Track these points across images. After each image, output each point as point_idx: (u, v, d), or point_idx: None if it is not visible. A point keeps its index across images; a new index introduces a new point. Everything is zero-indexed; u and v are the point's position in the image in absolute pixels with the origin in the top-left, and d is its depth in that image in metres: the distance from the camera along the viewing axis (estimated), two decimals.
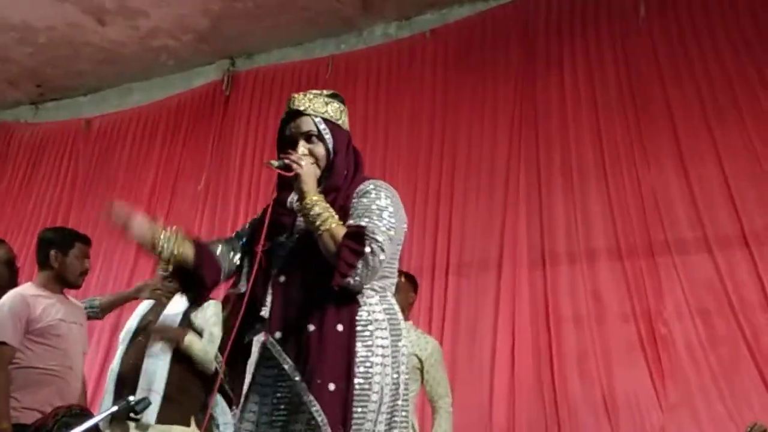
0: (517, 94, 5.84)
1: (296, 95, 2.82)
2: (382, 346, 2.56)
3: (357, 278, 2.51)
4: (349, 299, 2.58)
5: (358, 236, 2.52)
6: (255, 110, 6.99)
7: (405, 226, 2.75)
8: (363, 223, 2.55)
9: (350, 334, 2.54)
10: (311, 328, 2.53)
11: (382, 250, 2.53)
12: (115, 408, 3.19)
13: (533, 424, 4.97)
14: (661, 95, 5.35)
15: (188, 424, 4.37)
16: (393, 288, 2.75)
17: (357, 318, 2.56)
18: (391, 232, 2.59)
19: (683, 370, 4.73)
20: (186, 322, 4.46)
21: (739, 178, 4.94)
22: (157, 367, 4.35)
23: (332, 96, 2.86)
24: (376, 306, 2.61)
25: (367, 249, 2.51)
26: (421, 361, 4.43)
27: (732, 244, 4.85)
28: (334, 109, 2.81)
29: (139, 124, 7.63)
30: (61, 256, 4.45)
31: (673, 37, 5.45)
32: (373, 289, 2.63)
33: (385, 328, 2.60)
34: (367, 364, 2.51)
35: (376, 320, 2.59)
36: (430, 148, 6.04)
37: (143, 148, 7.48)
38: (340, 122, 2.81)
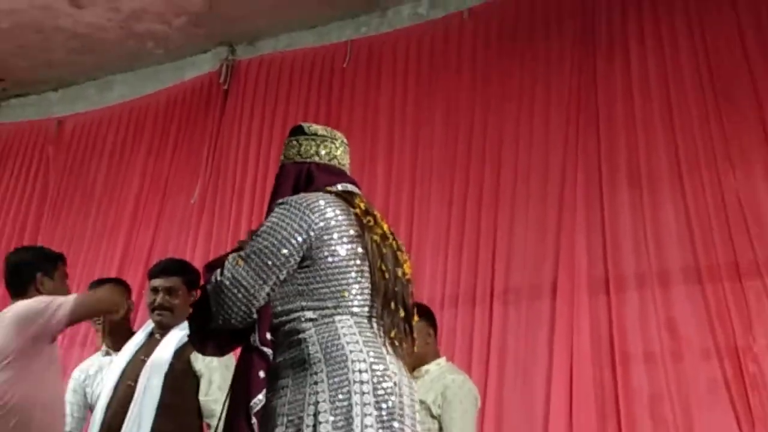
0: (573, 84, 5.87)
1: None
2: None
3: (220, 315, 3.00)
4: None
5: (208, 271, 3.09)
6: (259, 106, 7.05)
7: (292, 236, 3.01)
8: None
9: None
10: None
11: (228, 277, 2.98)
12: None
13: None
14: (749, 81, 5.35)
15: None
16: (346, 305, 3.01)
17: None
18: (252, 253, 3.01)
19: None
20: (180, 365, 4.59)
21: None
22: (143, 418, 4.49)
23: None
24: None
25: (208, 285, 3.04)
26: (428, 407, 4.47)
27: None
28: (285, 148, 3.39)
29: (121, 124, 7.71)
30: (47, 279, 4.62)
31: (763, 8, 5.46)
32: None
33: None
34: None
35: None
36: (469, 151, 6.06)
37: (126, 154, 7.56)
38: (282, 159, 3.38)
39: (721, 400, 4.87)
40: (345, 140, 3.42)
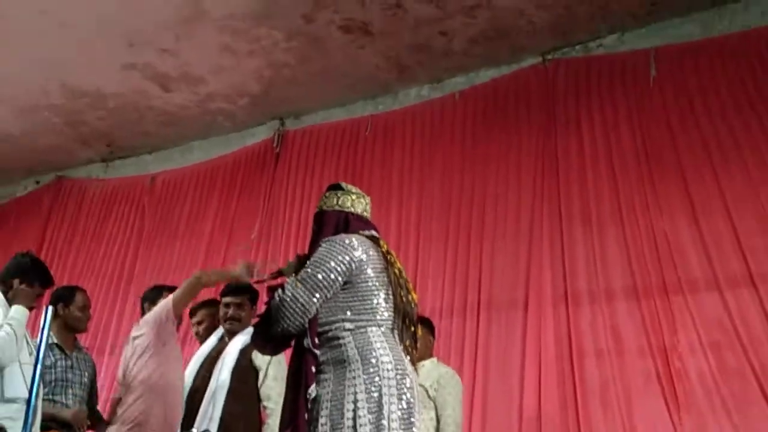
0: (539, 150, 5.87)
1: None
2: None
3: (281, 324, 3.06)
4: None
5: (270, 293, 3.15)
6: (302, 166, 7.03)
7: (338, 264, 3.08)
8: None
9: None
10: None
11: (289, 296, 3.03)
12: None
13: None
14: (671, 149, 5.36)
15: None
16: (376, 319, 3.09)
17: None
18: (307, 277, 3.06)
19: (697, 402, 4.70)
20: (244, 361, 4.60)
21: (746, 222, 4.93)
22: (217, 401, 4.50)
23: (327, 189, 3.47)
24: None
25: (273, 301, 3.10)
26: (426, 389, 4.48)
27: (740, 283, 4.82)
28: (325, 198, 3.42)
29: (199, 179, 7.70)
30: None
31: (682, 96, 5.46)
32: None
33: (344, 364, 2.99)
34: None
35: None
36: (460, 198, 6.07)
37: (202, 201, 7.54)
38: (321, 207, 3.41)
39: (653, 388, 4.86)
40: (368, 199, 3.46)
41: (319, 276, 3.06)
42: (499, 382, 5.34)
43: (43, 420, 4.40)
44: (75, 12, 6.16)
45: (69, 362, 4.94)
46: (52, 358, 4.79)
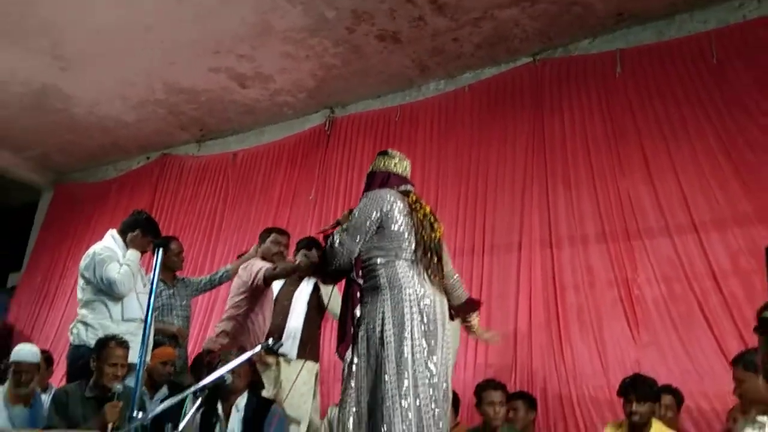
0: (530, 130, 5.81)
1: None
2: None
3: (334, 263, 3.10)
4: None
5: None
6: (348, 145, 7.02)
7: (372, 214, 3.08)
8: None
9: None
10: None
11: (337, 242, 3.08)
12: (258, 348, 3.35)
13: (545, 358, 4.98)
14: (634, 129, 5.30)
15: (316, 361, 4.61)
16: (402, 254, 3.06)
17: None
18: (350, 226, 3.09)
19: (652, 321, 4.72)
20: (315, 297, 4.70)
21: (691, 184, 4.89)
22: (298, 322, 4.59)
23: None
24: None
25: (327, 246, 3.15)
26: None
27: (685, 230, 4.80)
28: (375, 161, 3.41)
29: (269, 155, 7.69)
30: (262, 243, 4.84)
31: (642, 88, 5.39)
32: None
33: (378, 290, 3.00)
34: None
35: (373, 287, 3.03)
36: (469, 168, 6.04)
37: (272, 172, 7.55)
38: (372, 168, 3.39)
39: (618, 311, 4.88)
40: (408, 161, 3.45)
41: (358, 224, 3.08)
42: (498, 308, 5.35)
43: (155, 334, 4.52)
44: (173, 29, 6.20)
45: (171, 291, 5.04)
46: (158, 289, 4.87)
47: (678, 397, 4.12)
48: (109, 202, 8.84)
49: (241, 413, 3.81)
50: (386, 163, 3.36)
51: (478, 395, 4.29)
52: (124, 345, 3.92)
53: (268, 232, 4.90)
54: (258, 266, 4.47)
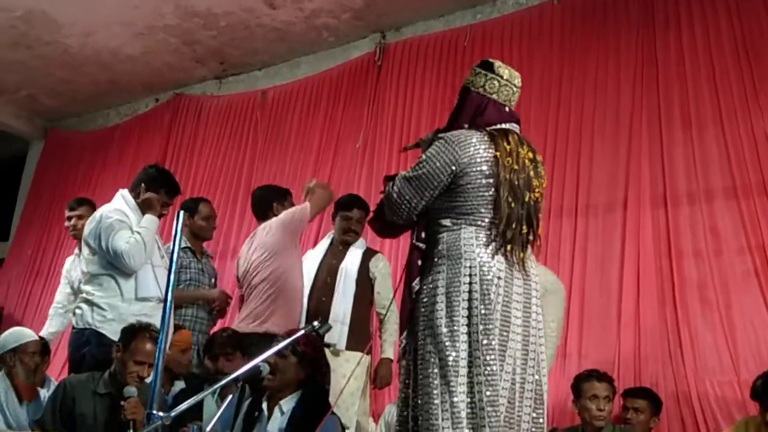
0: (638, 53, 5.72)
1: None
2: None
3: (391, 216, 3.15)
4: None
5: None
6: (404, 77, 7.00)
7: (445, 167, 2.99)
8: None
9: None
10: None
11: (395, 192, 3.07)
12: (302, 331, 3.46)
13: (657, 346, 4.97)
14: None
15: (369, 353, 4.80)
16: (477, 220, 3.01)
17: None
18: (415, 176, 3.04)
19: None
20: (364, 272, 4.85)
21: None
22: (345, 305, 4.73)
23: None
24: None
25: (385, 192, 3.16)
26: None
27: None
28: (473, 75, 3.23)
29: (306, 93, 7.73)
30: (280, 207, 4.96)
31: None
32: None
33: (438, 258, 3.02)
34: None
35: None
36: (558, 103, 5.98)
37: (310, 114, 7.59)
38: (468, 84, 3.23)
39: (752, 285, 4.80)
40: (519, 84, 3.23)
41: (426, 177, 3.02)
42: (596, 283, 5.33)
43: (190, 302, 4.91)
44: None
45: (200, 266, 5.20)
46: (187, 260, 5.04)
47: None
48: (111, 155, 9.06)
49: (286, 416, 3.83)
50: (488, 84, 3.15)
51: (577, 388, 4.34)
52: (156, 339, 3.76)
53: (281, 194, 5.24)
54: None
